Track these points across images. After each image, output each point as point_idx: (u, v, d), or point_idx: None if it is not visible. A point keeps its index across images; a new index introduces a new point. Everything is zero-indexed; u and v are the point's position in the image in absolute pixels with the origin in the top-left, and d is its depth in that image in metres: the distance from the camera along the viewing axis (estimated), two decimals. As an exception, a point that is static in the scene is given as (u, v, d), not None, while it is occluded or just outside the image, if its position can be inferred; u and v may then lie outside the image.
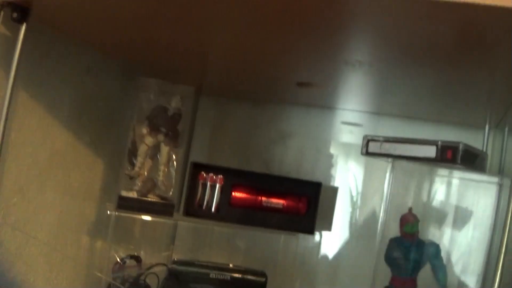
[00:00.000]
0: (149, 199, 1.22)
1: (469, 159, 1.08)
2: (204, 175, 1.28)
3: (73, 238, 1.27)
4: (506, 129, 1.26)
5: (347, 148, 1.48)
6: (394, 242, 1.20)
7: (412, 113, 1.37)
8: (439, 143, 1.07)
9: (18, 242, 1.07)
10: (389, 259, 1.20)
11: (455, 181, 1.25)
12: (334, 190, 1.44)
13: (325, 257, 1.45)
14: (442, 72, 0.98)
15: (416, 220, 1.19)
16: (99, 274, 1.25)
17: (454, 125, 1.31)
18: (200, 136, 1.49)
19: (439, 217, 1.26)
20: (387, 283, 1.20)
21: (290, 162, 1.48)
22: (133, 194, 1.22)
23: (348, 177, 1.45)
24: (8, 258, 1.05)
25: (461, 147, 1.05)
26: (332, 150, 1.48)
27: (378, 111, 1.41)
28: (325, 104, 1.44)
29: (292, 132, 1.49)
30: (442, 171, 1.22)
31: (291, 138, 1.49)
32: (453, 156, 1.05)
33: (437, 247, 1.19)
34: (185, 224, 1.47)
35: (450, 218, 1.25)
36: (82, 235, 1.30)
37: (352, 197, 1.44)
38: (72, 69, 1.17)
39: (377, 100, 1.33)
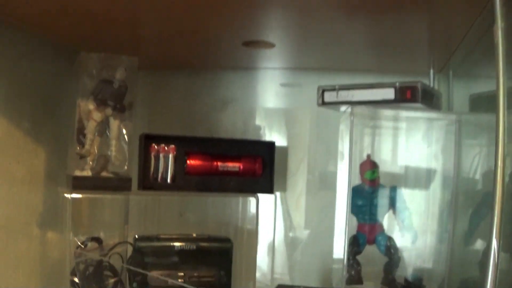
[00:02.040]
0: (105, 176, 1.18)
1: (427, 98, 1.10)
2: (156, 146, 1.24)
3: (25, 231, 1.22)
4: (451, 73, 1.29)
5: (291, 108, 1.47)
6: (356, 190, 1.20)
7: (354, 66, 1.37)
8: (397, 84, 1.07)
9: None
10: (354, 208, 1.19)
11: (411, 122, 1.26)
12: (284, 150, 1.43)
13: (286, 216, 1.44)
14: (378, 25, 1.00)
15: (375, 166, 1.20)
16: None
17: (399, 73, 1.32)
18: (141, 112, 1.44)
19: (400, 161, 1.27)
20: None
21: (235, 128, 1.46)
22: (87, 173, 1.17)
23: (297, 136, 1.45)
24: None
25: (419, 85, 1.06)
26: (276, 112, 1.47)
27: (318, 67, 1.40)
28: (265, 65, 1.43)
29: (233, 97, 1.47)
30: (393, 113, 1.22)
31: (233, 103, 1.47)
32: (412, 96, 1.06)
33: (397, 190, 1.20)
34: (139, 198, 1.43)
35: (411, 160, 1.26)
36: (33, 227, 1.25)
37: (304, 154, 1.44)
38: (4, 55, 1.12)
39: (317, 55, 1.33)
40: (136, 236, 1.23)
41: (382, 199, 1.19)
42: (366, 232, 1.19)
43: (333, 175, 1.33)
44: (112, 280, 1.22)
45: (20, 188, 1.19)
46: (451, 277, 1.14)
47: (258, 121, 1.47)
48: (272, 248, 1.43)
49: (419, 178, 1.24)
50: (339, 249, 1.19)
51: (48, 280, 1.26)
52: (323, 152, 1.43)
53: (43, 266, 1.27)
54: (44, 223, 1.27)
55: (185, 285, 1.19)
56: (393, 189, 1.20)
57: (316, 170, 1.44)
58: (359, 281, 1.19)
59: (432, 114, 1.18)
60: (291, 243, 1.44)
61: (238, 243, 1.33)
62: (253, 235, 1.33)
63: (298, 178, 1.44)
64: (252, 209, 1.34)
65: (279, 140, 1.43)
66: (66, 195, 1.15)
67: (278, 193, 1.43)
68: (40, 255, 1.26)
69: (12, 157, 1.17)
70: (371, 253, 1.20)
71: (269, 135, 1.45)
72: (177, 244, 1.23)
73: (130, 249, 1.25)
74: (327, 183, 1.40)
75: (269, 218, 1.43)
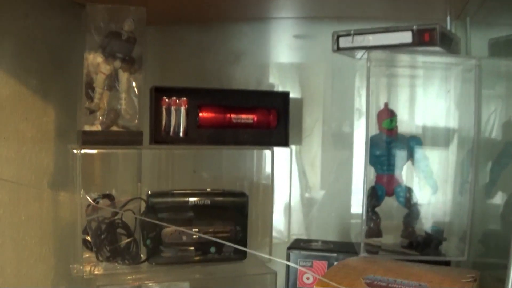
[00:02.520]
0: (115, 130, 1.15)
1: (446, 42, 1.06)
2: (167, 100, 1.21)
3: (36, 191, 1.19)
4: (468, 19, 1.24)
5: (305, 61, 1.43)
6: (374, 140, 1.16)
7: (370, 14, 1.32)
8: (415, 27, 1.04)
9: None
10: (372, 158, 1.16)
11: (428, 70, 1.22)
12: (299, 102, 1.39)
13: (301, 175, 1.41)
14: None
15: (393, 115, 1.16)
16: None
17: (415, 21, 1.27)
18: (152, 67, 1.41)
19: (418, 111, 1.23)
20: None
21: (248, 81, 1.42)
22: (96, 128, 1.14)
23: (311, 89, 1.41)
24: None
25: (438, 28, 1.02)
26: (289, 66, 1.43)
27: (332, 15, 1.36)
28: (277, 14, 1.39)
29: (246, 50, 1.43)
30: (410, 60, 1.18)
31: (246, 56, 1.43)
32: (430, 38, 1.03)
33: (418, 140, 1.17)
34: (152, 155, 1.40)
35: (429, 109, 1.22)
36: (44, 188, 1.22)
37: (319, 111, 1.40)
38: (10, 13, 1.09)
39: (331, 2, 1.28)
40: (149, 192, 1.20)
41: (401, 149, 1.16)
42: (385, 184, 1.16)
43: (349, 134, 1.30)
44: (125, 238, 1.19)
45: (30, 147, 1.17)
46: (472, 230, 1.11)
47: (271, 74, 1.42)
48: (288, 206, 1.40)
49: (438, 129, 1.20)
50: (357, 204, 1.16)
51: (61, 240, 1.24)
52: (338, 109, 1.38)
53: (55, 226, 1.25)
54: (56, 183, 1.24)
55: (203, 235, 1.17)
56: (412, 139, 1.17)
57: (331, 129, 1.39)
58: (379, 234, 1.17)
59: (451, 59, 1.14)
60: (307, 202, 1.41)
61: (254, 199, 1.31)
62: (269, 189, 1.31)
63: (314, 137, 1.41)
64: (268, 164, 1.32)
65: (293, 93, 1.38)
66: (75, 151, 1.12)
67: (293, 147, 1.39)
68: (52, 215, 1.24)
69: (21, 115, 1.14)
70: (390, 206, 1.18)
71: (282, 89, 1.41)
72: (191, 199, 1.20)
73: (143, 206, 1.22)
74: (343, 141, 1.36)
75: (285, 175, 1.39)
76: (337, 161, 1.39)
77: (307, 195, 1.41)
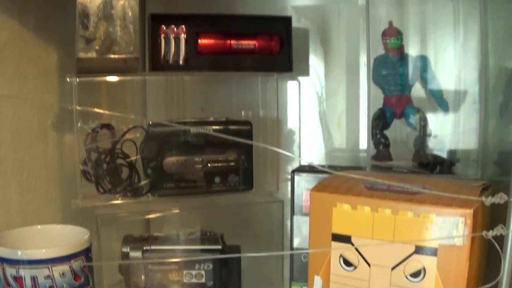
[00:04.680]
0: (111, 57, 1.12)
1: None
2: (165, 28, 1.17)
3: (40, 133, 1.18)
4: None
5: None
6: (379, 59, 1.12)
7: None
8: None
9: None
10: (378, 77, 1.11)
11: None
12: (304, 31, 1.34)
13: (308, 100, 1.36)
14: None
15: (399, 33, 1.11)
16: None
17: None
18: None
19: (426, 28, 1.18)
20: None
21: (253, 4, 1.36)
22: (91, 55, 1.11)
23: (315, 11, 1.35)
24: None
25: None
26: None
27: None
28: None
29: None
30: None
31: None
32: None
33: (426, 59, 1.12)
34: (153, 81, 1.37)
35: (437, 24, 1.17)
36: (49, 129, 1.20)
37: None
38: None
39: None
40: (150, 122, 1.17)
41: (409, 68, 1.11)
42: (393, 105, 1.11)
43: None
44: (125, 168, 1.16)
45: (32, 87, 1.15)
46: (486, 150, 1.06)
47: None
48: (298, 136, 1.35)
49: (447, 44, 1.15)
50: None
51: (68, 183, 1.21)
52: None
53: (61, 168, 1.23)
54: (60, 124, 1.22)
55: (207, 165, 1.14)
56: (420, 58, 1.12)
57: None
58: (388, 157, 1.12)
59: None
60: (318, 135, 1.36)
61: (262, 128, 1.27)
62: (275, 119, 1.27)
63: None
64: (273, 94, 1.27)
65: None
66: (69, 79, 1.10)
67: (300, 78, 1.34)
68: (57, 156, 1.22)
69: (21, 55, 1.11)
70: (401, 132, 1.13)
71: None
72: (193, 128, 1.17)
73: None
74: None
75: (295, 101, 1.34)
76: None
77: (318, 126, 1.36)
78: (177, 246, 1.14)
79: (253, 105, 1.32)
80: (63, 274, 0.87)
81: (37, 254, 0.86)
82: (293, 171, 1.09)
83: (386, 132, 1.12)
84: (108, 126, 1.15)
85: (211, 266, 1.12)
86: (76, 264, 0.90)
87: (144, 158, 1.15)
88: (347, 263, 0.84)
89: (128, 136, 1.16)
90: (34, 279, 0.86)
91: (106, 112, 1.17)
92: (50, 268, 0.86)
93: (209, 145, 1.18)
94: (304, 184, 1.08)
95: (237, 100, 1.37)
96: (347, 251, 0.84)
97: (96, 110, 1.13)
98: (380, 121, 1.12)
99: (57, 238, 0.97)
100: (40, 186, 1.18)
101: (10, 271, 0.86)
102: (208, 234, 1.17)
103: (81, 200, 1.12)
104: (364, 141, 1.18)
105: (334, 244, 0.85)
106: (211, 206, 1.21)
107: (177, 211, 1.17)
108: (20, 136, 1.12)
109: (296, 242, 1.10)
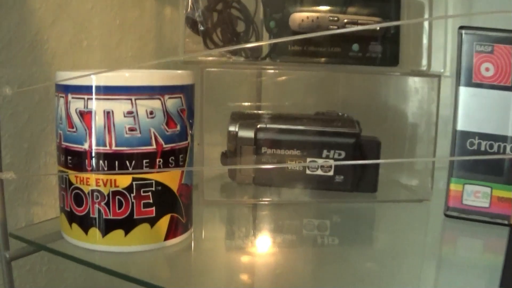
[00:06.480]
0: None
1: None
2: None
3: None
4: None
5: None
6: None
7: None
8: None
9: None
10: None
11: None
12: None
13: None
14: None
15: None
16: None
17: None
18: None
19: None
20: None
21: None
22: None
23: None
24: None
25: None
26: None
27: None
28: None
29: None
30: None
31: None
32: None
33: None
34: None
35: None
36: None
37: None
38: None
39: None
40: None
41: None
42: None
43: None
44: (241, 22, 0.92)
45: None
46: None
47: None
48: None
49: None
50: None
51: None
52: None
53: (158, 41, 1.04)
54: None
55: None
56: None
57: None
58: None
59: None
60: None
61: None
62: None
63: None
64: None
65: None
66: None
67: None
68: (154, 30, 1.04)
69: None
70: None
71: None
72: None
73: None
74: None
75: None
76: None
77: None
78: (299, 126, 0.91)
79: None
80: (151, 113, 0.63)
81: (116, 79, 0.62)
82: (460, 27, 0.81)
83: None
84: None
85: (343, 154, 0.88)
86: (172, 103, 0.65)
87: (267, 6, 0.90)
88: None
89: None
90: (108, 115, 0.62)
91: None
92: (133, 101, 0.62)
93: (350, 2, 0.92)
94: (474, 45, 0.80)
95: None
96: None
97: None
98: None
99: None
100: (131, 59, 0.98)
101: (76, 104, 0.63)
102: (340, 114, 0.93)
103: (183, 53, 0.88)
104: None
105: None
106: (345, 78, 0.95)
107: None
108: None
109: (460, 124, 0.82)
